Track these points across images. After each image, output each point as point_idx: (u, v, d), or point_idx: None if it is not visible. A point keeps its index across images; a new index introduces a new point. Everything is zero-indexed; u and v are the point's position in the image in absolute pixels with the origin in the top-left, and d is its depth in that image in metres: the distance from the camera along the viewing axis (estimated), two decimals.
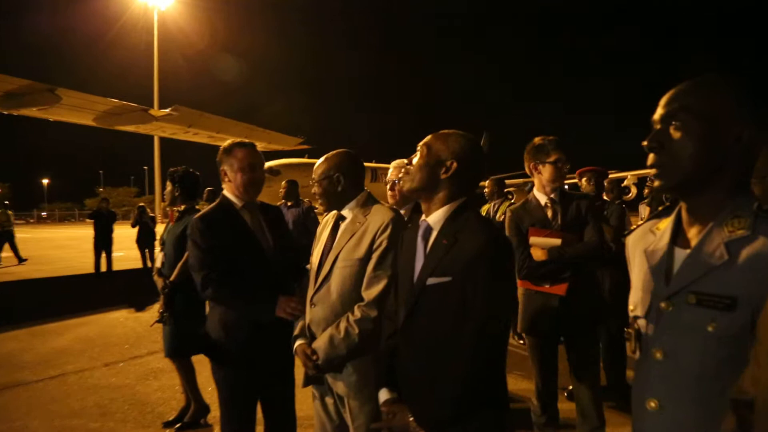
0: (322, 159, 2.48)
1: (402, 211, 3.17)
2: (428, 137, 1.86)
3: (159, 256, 4.09)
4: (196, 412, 4.08)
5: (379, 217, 2.31)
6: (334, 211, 2.47)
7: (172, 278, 3.88)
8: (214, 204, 2.76)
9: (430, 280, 1.71)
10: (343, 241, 2.33)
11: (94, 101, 12.62)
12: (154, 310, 8.26)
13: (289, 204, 7.14)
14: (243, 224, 2.68)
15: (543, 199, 3.20)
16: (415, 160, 1.85)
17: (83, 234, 26.08)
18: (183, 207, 4.07)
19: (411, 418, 1.72)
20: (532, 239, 3.15)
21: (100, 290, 11.07)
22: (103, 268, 12.53)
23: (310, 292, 2.38)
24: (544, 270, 3.08)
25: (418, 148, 1.86)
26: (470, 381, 1.63)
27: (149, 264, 12.86)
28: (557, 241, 3.06)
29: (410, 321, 1.79)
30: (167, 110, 14.17)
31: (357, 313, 2.18)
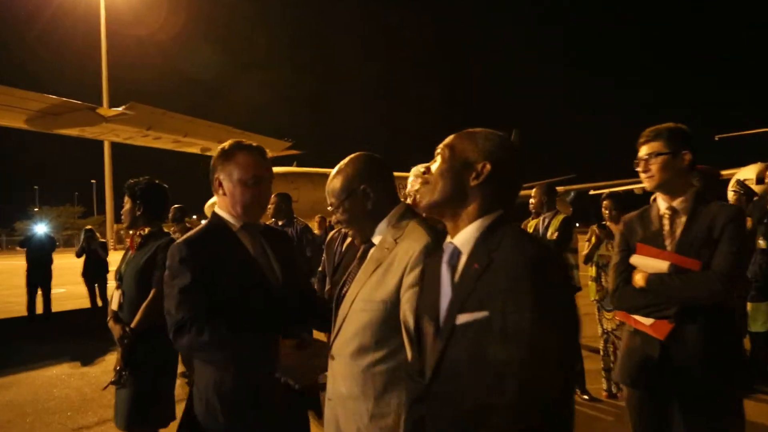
0: (334, 171, 2.34)
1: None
2: (450, 137, 1.83)
3: (116, 294, 3.89)
4: None
5: (410, 242, 2.15)
6: None
7: (133, 324, 3.68)
8: (202, 225, 2.62)
9: (461, 318, 1.62)
10: (365, 274, 2.20)
11: (25, 98, 12.19)
12: (107, 365, 8.19)
13: (279, 223, 7.03)
14: (243, 252, 2.53)
15: (663, 207, 2.97)
16: (434, 167, 1.80)
17: (13, 266, 25.93)
18: (147, 230, 3.89)
19: None
20: (634, 258, 2.96)
21: (34, 338, 10.84)
22: (39, 309, 12.36)
23: (330, 339, 2.27)
24: (646, 301, 2.86)
25: (438, 151, 1.82)
26: None
27: (99, 303, 12.68)
28: (663, 265, 2.82)
29: (438, 377, 1.68)
30: (120, 109, 13.99)
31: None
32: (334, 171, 2.34)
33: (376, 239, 2.28)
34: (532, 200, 6.69)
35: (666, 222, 2.92)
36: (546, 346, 1.50)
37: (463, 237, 1.74)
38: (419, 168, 3.19)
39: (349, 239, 3.46)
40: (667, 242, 2.87)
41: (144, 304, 3.70)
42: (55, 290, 13.03)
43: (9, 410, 6.42)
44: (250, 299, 2.43)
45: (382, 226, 2.28)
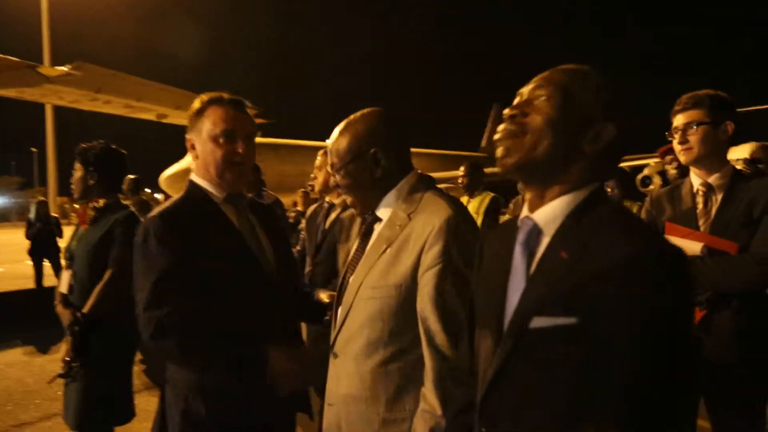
0: (342, 126, 2.10)
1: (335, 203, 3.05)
2: (558, 73, 1.46)
3: (65, 276, 3.64)
4: None
5: (427, 215, 1.94)
6: None
7: (85, 310, 3.45)
8: (179, 196, 2.33)
9: (538, 322, 1.34)
10: (373, 256, 2.00)
11: None
12: (53, 354, 7.93)
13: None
14: (229, 228, 2.27)
15: (696, 183, 2.84)
16: (537, 112, 1.43)
17: None
18: (102, 202, 3.65)
19: None
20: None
21: None
22: None
23: (332, 335, 2.08)
24: None
25: (542, 91, 1.44)
26: None
27: (47, 283, 12.13)
28: (696, 247, 2.68)
29: (496, 390, 1.43)
30: (65, 68, 13.57)
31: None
32: (341, 126, 2.10)
33: (382, 213, 2.07)
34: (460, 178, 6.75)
35: (700, 200, 2.81)
36: (660, 377, 1.23)
37: (548, 213, 1.42)
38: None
39: (333, 215, 3.23)
40: (701, 222, 2.76)
41: (98, 287, 3.46)
42: None
43: None
44: (242, 288, 2.19)
45: (391, 198, 2.06)
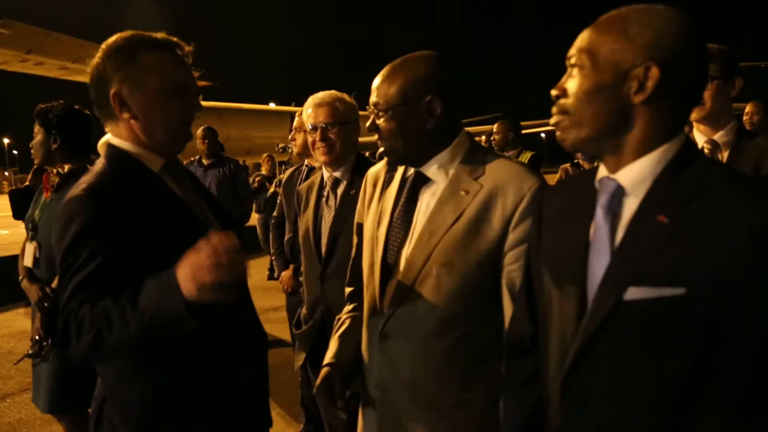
0: (396, 65, 1.88)
1: (337, 173, 2.81)
2: (586, 35, 1.35)
3: (29, 248, 3.40)
4: None
5: (507, 181, 1.77)
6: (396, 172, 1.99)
7: (54, 284, 3.22)
8: (101, 167, 1.87)
9: (635, 292, 1.22)
10: (439, 227, 1.79)
11: None
12: (9, 327, 7.61)
13: (205, 162, 6.53)
14: (175, 202, 1.89)
15: (701, 140, 2.76)
16: (571, 85, 1.34)
17: None
18: (67, 167, 3.38)
19: None
20: None
21: None
22: None
23: (380, 317, 1.88)
24: None
25: (573, 59, 1.35)
26: None
27: None
28: None
29: (582, 367, 1.31)
30: None
31: None
32: (394, 64, 1.88)
33: (433, 173, 1.87)
34: (495, 136, 6.46)
35: None
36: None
37: (635, 173, 1.29)
38: (328, 94, 2.83)
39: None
40: None
41: None
42: None
43: None
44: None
45: (444, 158, 1.85)
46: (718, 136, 2.71)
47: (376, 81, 1.86)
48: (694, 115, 2.73)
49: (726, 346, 1.15)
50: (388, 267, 1.89)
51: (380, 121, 1.84)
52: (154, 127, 1.84)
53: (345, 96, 2.82)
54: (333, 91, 2.83)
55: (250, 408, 2.00)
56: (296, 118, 4.07)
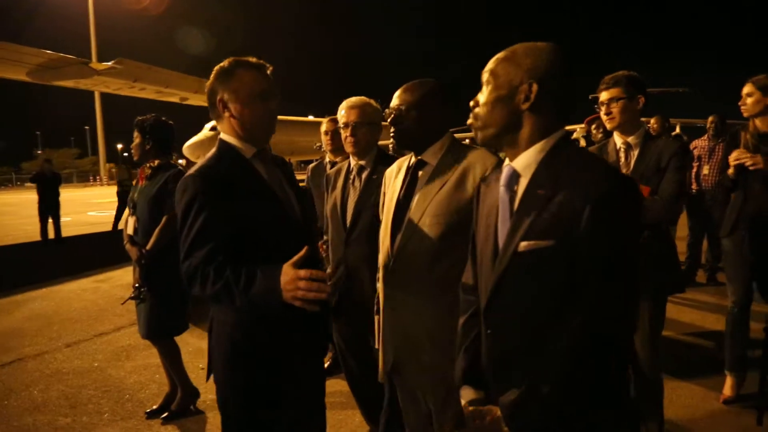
0: (407, 87, 2.04)
1: (362, 162, 2.74)
2: (492, 61, 1.41)
3: (130, 221, 3.43)
4: (183, 399, 3.52)
5: (478, 157, 1.94)
6: (394, 166, 2.10)
7: (148, 247, 3.27)
8: (211, 154, 1.92)
9: (523, 245, 1.28)
10: (430, 192, 1.92)
11: (27, 53, 11.69)
12: (116, 281, 7.70)
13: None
14: (260, 182, 1.89)
15: (619, 142, 2.77)
16: (482, 98, 1.40)
17: (24, 199, 24.49)
18: (156, 162, 3.41)
19: (505, 428, 1.32)
20: None
21: (50, 260, 10.08)
22: (51, 235, 11.50)
23: (390, 259, 1.99)
24: None
25: (483, 76, 1.42)
26: (574, 387, 1.23)
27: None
28: None
29: (496, 299, 1.36)
30: (110, 63, 13.13)
31: None
32: (413, 82, 2.05)
33: (428, 158, 2.00)
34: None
35: (622, 155, 2.76)
36: (619, 280, 1.22)
37: (524, 160, 1.35)
38: (355, 100, 2.73)
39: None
40: (623, 171, 2.68)
41: (157, 229, 3.29)
42: (62, 219, 12.13)
43: (38, 320, 5.90)
44: (276, 237, 1.85)
45: (435, 150, 2.01)
46: (630, 139, 2.71)
47: (401, 93, 2.04)
48: (608, 126, 2.77)
49: (580, 278, 1.21)
50: (398, 225, 1.98)
51: (403, 118, 2.00)
52: (246, 123, 1.87)
53: (372, 101, 2.77)
54: (363, 97, 2.77)
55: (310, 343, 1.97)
56: (323, 125, 3.95)
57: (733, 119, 6.25)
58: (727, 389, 3.34)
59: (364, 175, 2.71)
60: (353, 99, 2.73)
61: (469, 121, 1.43)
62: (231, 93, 1.85)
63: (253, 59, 1.90)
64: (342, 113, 2.71)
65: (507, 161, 1.40)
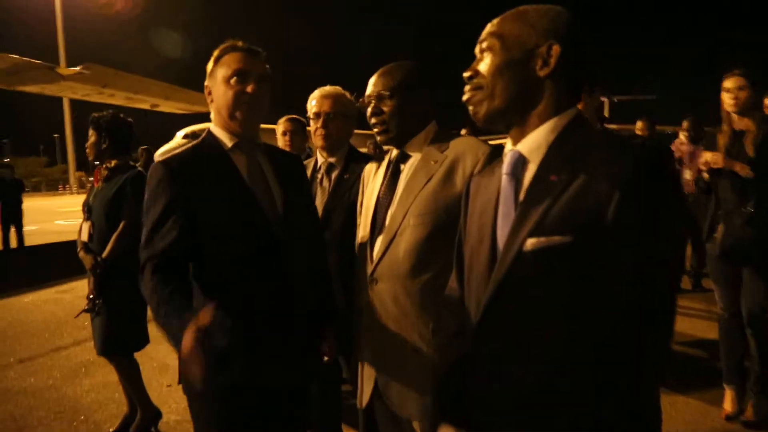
0: (384, 71, 1.77)
1: (332, 159, 2.43)
2: (493, 24, 1.16)
3: (85, 226, 3.11)
4: (143, 420, 3.20)
5: (467, 147, 1.67)
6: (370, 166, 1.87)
7: (104, 255, 2.96)
8: (193, 143, 1.78)
9: (531, 243, 1.02)
10: (414, 188, 1.66)
11: None
12: (78, 291, 7.26)
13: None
14: (233, 174, 1.68)
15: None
16: (483, 66, 1.13)
17: None
18: (114, 163, 3.10)
19: None
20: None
21: (11, 270, 9.56)
22: (13, 243, 10.95)
23: (370, 266, 1.71)
24: None
25: (483, 44, 1.15)
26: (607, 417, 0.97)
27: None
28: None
29: (492, 313, 1.08)
30: (77, 68, 12.66)
31: None
32: (383, 71, 1.77)
33: (414, 153, 1.75)
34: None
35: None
36: (660, 283, 0.96)
37: (532, 142, 1.10)
38: (327, 89, 2.44)
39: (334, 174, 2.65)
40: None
41: (114, 236, 2.98)
42: (28, 227, 11.60)
43: None
44: (238, 238, 1.64)
45: (419, 140, 1.75)
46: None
47: (379, 77, 1.77)
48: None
49: (606, 282, 0.95)
50: (378, 227, 1.72)
51: (384, 106, 1.74)
52: (220, 108, 1.69)
53: (347, 93, 2.45)
54: (338, 87, 2.45)
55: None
56: (280, 125, 3.55)
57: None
58: (728, 404, 3.14)
59: (333, 175, 2.40)
60: (327, 88, 2.43)
61: (466, 96, 1.16)
62: (211, 78, 1.71)
63: (240, 42, 1.72)
64: (313, 103, 2.40)
65: (509, 146, 1.15)
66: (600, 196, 0.95)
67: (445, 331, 1.31)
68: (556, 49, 1.07)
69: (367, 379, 1.76)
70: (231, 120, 1.69)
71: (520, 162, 1.10)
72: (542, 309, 1.01)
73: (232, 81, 1.65)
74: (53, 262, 9.31)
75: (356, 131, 2.51)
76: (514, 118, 1.12)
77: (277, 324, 1.65)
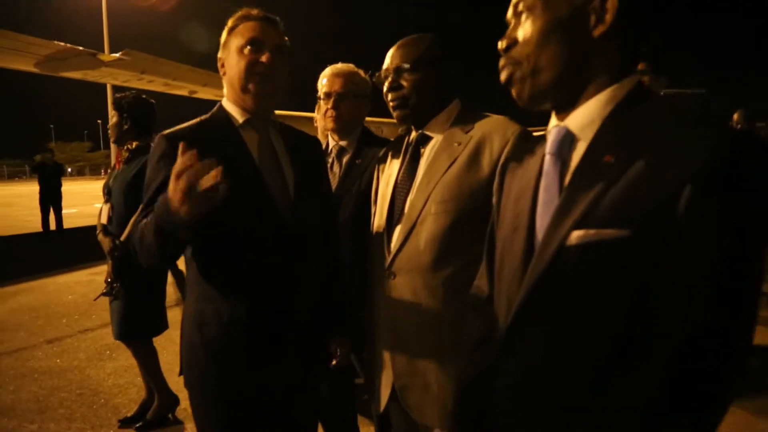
0: (405, 42, 1.61)
1: (344, 143, 2.22)
2: None
3: (104, 208, 3.07)
4: (160, 407, 3.16)
5: (495, 127, 1.51)
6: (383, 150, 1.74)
7: (123, 238, 2.90)
8: (202, 117, 1.65)
9: (576, 236, 0.83)
10: (436, 172, 1.50)
11: (34, 44, 11.35)
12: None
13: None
14: (242, 152, 1.56)
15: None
16: (522, 32, 0.93)
17: (32, 190, 24.39)
18: (135, 144, 3.04)
19: None
20: None
21: (49, 251, 9.80)
22: (53, 226, 11.20)
23: (387, 258, 1.57)
24: None
25: (519, 3, 0.95)
26: None
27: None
28: None
29: (526, 316, 0.91)
30: (117, 55, 12.89)
31: None
32: (403, 43, 1.61)
33: (435, 134, 1.59)
34: None
35: None
36: (744, 291, 0.75)
37: (583, 116, 0.91)
38: (340, 67, 2.21)
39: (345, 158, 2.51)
40: None
41: (133, 218, 2.89)
42: (67, 210, 11.86)
43: (23, 313, 5.58)
44: (244, 217, 1.51)
45: (441, 120, 1.60)
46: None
47: (400, 49, 1.61)
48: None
49: (669, 292, 0.76)
50: (396, 215, 1.58)
51: (404, 81, 1.58)
52: (232, 80, 1.57)
53: (361, 72, 2.24)
54: (351, 65, 2.25)
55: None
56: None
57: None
58: None
59: (344, 159, 2.20)
60: (339, 65, 2.23)
61: (504, 75, 0.96)
62: (224, 49, 1.60)
63: (255, 11, 1.59)
64: (324, 81, 2.21)
65: (553, 121, 0.97)
66: (669, 184, 0.76)
67: (470, 335, 1.16)
68: (612, 0, 0.87)
69: (383, 381, 1.62)
70: (243, 93, 1.56)
71: (568, 140, 0.91)
72: (585, 317, 0.84)
73: (246, 50, 1.53)
74: (88, 244, 9.48)
75: (368, 119, 2.32)
76: (563, 96, 0.93)
77: (278, 319, 1.54)
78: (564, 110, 0.94)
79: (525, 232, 0.94)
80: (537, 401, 0.90)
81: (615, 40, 0.89)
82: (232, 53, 1.55)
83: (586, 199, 0.83)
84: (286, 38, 1.61)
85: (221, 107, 1.63)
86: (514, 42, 0.94)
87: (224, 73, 1.60)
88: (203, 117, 1.62)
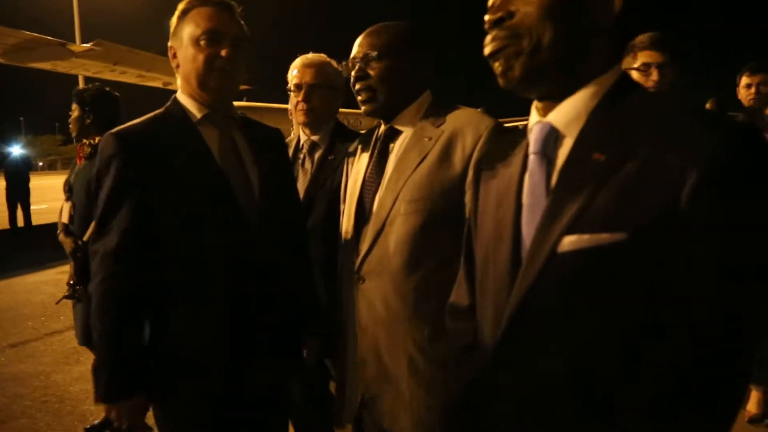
0: (373, 30, 1.51)
1: (315, 138, 2.11)
2: None
3: (65, 207, 2.94)
4: None
5: (467, 121, 1.42)
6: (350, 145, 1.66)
7: (86, 237, 2.77)
8: (154, 112, 1.52)
9: (568, 242, 0.77)
10: (405, 169, 1.42)
11: (1, 33, 10.93)
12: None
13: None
14: (202, 151, 1.45)
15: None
16: (521, 2, 0.82)
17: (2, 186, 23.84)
18: (97, 139, 2.89)
19: None
20: None
21: (15, 249, 9.51)
22: (20, 222, 10.88)
23: (355, 261, 1.49)
24: None
25: None
26: None
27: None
28: None
29: (518, 329, 0.84)
30: (88, 45, 12.62)
31: None
32: (371, 31, 1.52)
33: (405, 128, 1.51)
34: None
35: None
36: (753, 293, 0.70)
37: (568, 111, 0.83)
38: (310, 57, 2.09)
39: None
40: None
41: (92, 226, 2.78)
42: (37, 206, 11.53)
43: None
44: (203, 224, 1.41)
45: (411, 113, 1.50)
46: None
47: (367, 37, 1.51)
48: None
49: (672, 300, 0.71)
50: (364, 214, 1.49)
51: (371, 69, 1.47)
52: (188, 74, 1.44)
53: (333, 62, 2.12)
54: (323, 55, 2.12)
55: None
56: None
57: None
58: (752, 405, 2.89)
59: (317, 155, 2.08)
60: (309, 55, 2.10)
61: (492, 47, 0.84)
62: (175, 37, 1.46)
63: None
64: (294, 73, 2.09)
65: (534, 118, 0.89)
66: (667, 182, 0.70)
67: (454, 344, 1.09)
68: None
69: (354, 389, 1.55)
70: (202, 89, 1.45)
71: (552, 137, 0.84)
72: (586, 325, 0.77)
73: (202, 43, 1.41)
74: (58, 242, 9.25)
75: (342, 110, 2.22)
76: (555, 84, 0.84)
77: (248, 324, 1.46)
78: (545, 104, 0.86)
79: (510, 238, 0.87)
80: (542, 414, 0.84)
81: (620, 29, 0.82)
82: (186, 44, 1.43)
83: (577, 202, 0.77)
84: (243, 24, 1.50)
85: (176, 101, 1.51)
86: (510, 14, 0.82)
87: (177, 65, 1.48)
88: (157, 112, 1.50)
